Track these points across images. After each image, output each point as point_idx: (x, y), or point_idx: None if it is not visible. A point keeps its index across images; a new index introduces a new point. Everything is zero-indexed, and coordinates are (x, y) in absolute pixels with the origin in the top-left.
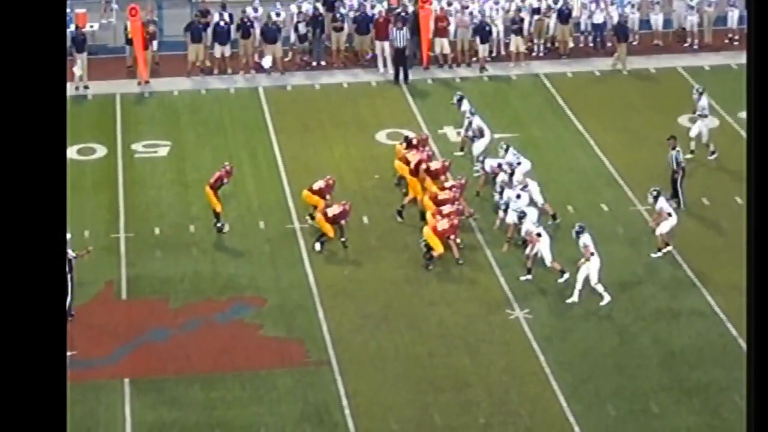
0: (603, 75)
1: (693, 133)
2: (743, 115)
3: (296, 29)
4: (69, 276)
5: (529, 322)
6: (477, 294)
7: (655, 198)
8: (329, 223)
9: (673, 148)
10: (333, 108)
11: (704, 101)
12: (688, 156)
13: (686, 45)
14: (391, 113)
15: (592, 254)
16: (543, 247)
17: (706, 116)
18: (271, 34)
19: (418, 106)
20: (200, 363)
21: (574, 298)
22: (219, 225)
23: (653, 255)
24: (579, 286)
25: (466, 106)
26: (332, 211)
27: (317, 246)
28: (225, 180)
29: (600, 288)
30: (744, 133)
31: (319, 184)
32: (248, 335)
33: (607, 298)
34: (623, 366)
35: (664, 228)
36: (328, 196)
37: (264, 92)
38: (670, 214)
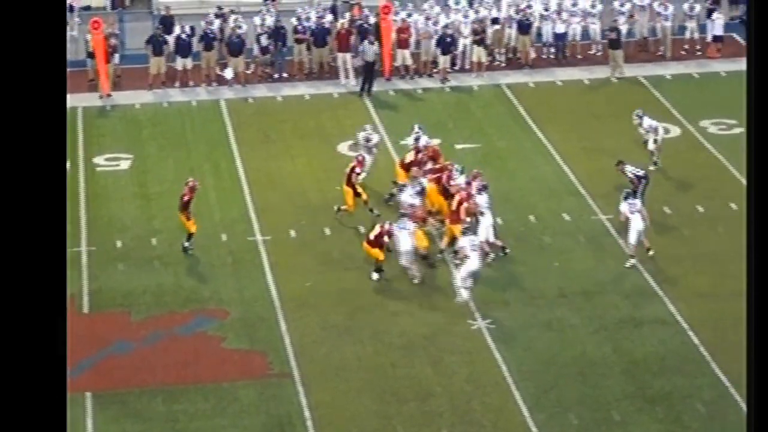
0: (565, 85)
1: (651, 147)
2: (704, 123)
3: (258, 41)
4: None
5: (491, 332)
6: (439, 304)
7: (625, 198)
8: (374, 246)
9: (622, 172)
10: (295, 120)
11: (647, 121)
12: (651, 167)
13: (658, 53)
14: (354, 124)
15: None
16: (486, 225)
17: (656, 129)
18: (235, 46)
19: (381, 117)
20: (163, 376)
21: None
22: (186, 245)
23: (626, 265)
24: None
25: (424, 141)
26: (373, 233)
27: (374, 276)
28: (190, 197)
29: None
30: (705, 141)
31: (374, 233)
32: (211, 348)
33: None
34: (586, 375)
35: (632, 237)
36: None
37: (226, 105)
38: (627, 218)
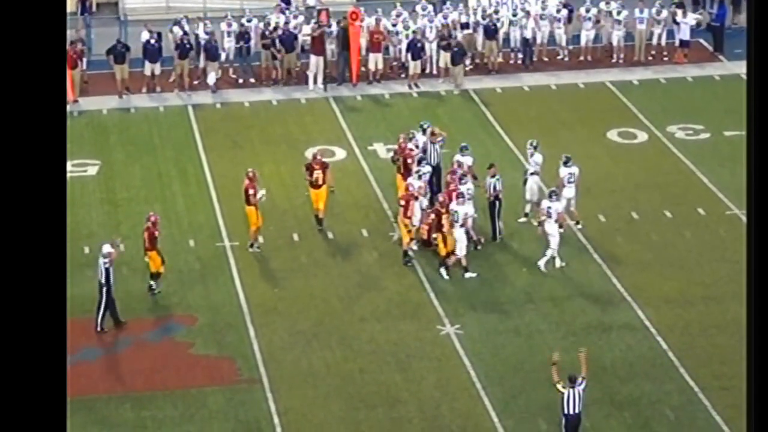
0: (532, 90)
1: (529, 196)
2: (672, 128)
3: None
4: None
5: (459, 337)
6: (408, 310)
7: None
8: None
9: (493, 176)
10: (262, 125)
11: (538, 156)
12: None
13: (614, 60)
14: (321, 130)
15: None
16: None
17: (537, 173)
18: (213, 51)
19: (348, 123)
20: (131, 382)
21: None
22: (153, 284)
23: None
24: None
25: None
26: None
27: (443, 272)
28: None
29: None
30: (672, 147)
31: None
32: (179, 354)
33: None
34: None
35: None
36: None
37: (193, 110)
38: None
